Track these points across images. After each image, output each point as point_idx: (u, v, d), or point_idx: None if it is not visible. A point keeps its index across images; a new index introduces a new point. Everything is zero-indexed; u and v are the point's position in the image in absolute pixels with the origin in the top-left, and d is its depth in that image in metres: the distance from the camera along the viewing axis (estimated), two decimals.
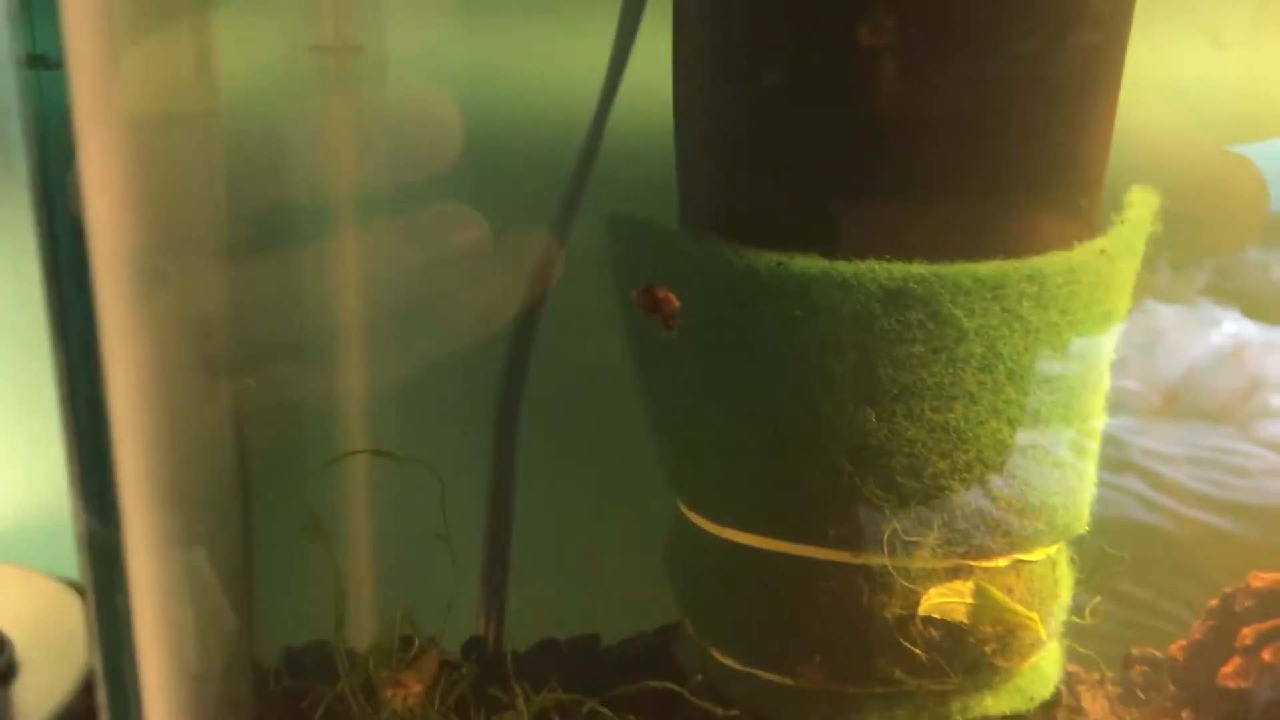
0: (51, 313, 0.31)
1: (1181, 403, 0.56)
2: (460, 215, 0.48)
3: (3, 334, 0.69)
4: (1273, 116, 0.50)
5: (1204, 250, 0.52)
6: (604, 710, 0.40)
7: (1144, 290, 0.52)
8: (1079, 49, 0.39)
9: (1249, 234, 0.51)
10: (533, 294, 0.52)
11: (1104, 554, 0.45)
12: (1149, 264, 0.44)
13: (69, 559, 0.68)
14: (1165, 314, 0.55)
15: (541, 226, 0.50)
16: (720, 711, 0.42)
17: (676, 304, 0.40)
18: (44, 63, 0.28)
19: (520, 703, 0.39)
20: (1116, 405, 0.55)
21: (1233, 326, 0.56)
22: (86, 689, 0.55)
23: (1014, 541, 0.42)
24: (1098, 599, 0.45)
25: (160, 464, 0.31)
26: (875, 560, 0.41)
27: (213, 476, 0.38)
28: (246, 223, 0.42)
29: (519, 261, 0.50)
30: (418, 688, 0.39)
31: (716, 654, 0.45)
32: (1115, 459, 0.56)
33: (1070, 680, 0.47)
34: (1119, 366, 0.44)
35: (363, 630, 0.46)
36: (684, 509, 0.46)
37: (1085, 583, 0.45)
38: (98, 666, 0.31)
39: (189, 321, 0.35)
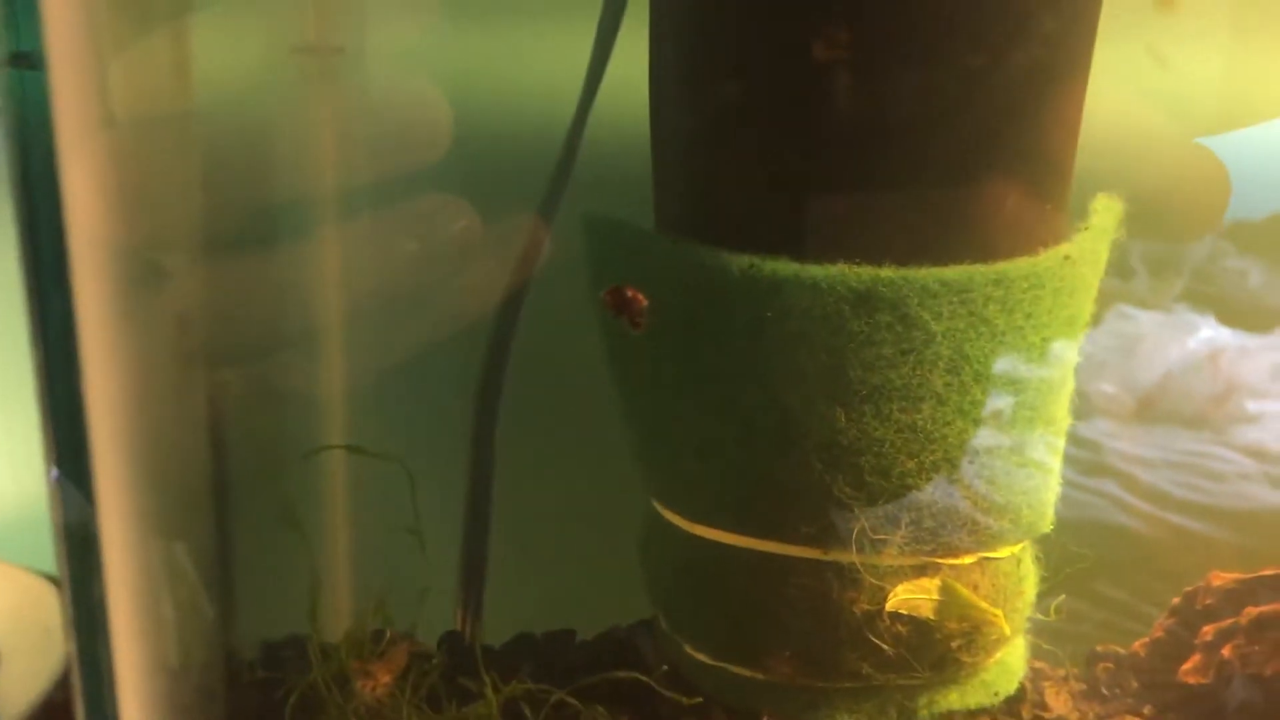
0: (31, 308, 0.31)
1: (1158, 408, 0.57)
2: (449, 205, 0.48)
3: None
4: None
5: (1167, 239, 0.53)
6: (572, 701, 0.41)
7: (1120, 296, 0.52)
8: (1045, 58, 0.39)
9: (1211, 223, 0.52)
10: (512, 290, 0.52)
11: (1075, 554, 0.46)
12: (1122, 270, 0.44)
13: (48, 552, 0.69)
14: (1142, 320, 0.56)
15: (520, 222, 0.51)
16: (685, 700, 0.43)
17: (644, 303, 0.40)
18: (26, 61, 0.29)
19: (489, 692, 0.39)
20: (1094, 409, 0.56)
21: (1209, 332, 0.57)
22: (66, 681, 0.55)
23: (980, 540, 0.42)
24: (1062, 597, 0.46)
25: (137, 455, 0.32)
26: (844, 557, 0.41)
27: (191, 469, 0.38)
28: (227, 219, 0.42)
29: (499, 253, 0.51)
30: (386, 678, 0.40)
31: (688, 648, 0.46)
32: (1092, 463, 0.57)
33: (1035, 676, 0.48)
34: (1097, 371, 0.45)
35: (340, 625, 0.46)
36: (657, 505, 0.47)
37: (1054, 582, 0.46)
38: (73, 654, 0.31)
39: (168, 316, 0.35)
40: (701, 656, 0.45)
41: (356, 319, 0.49)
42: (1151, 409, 0.57)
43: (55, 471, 0.34)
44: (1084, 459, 0.57)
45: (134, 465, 0.32)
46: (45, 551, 0.69)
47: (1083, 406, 0.45)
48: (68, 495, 0.31)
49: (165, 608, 0.34)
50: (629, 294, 0.40)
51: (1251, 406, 0.57)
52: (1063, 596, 0.46)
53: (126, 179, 0.31)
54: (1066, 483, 0.45)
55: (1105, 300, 0.44)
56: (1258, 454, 0.57)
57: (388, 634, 0.42)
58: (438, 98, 0.48)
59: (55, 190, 0.28)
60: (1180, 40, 0.47)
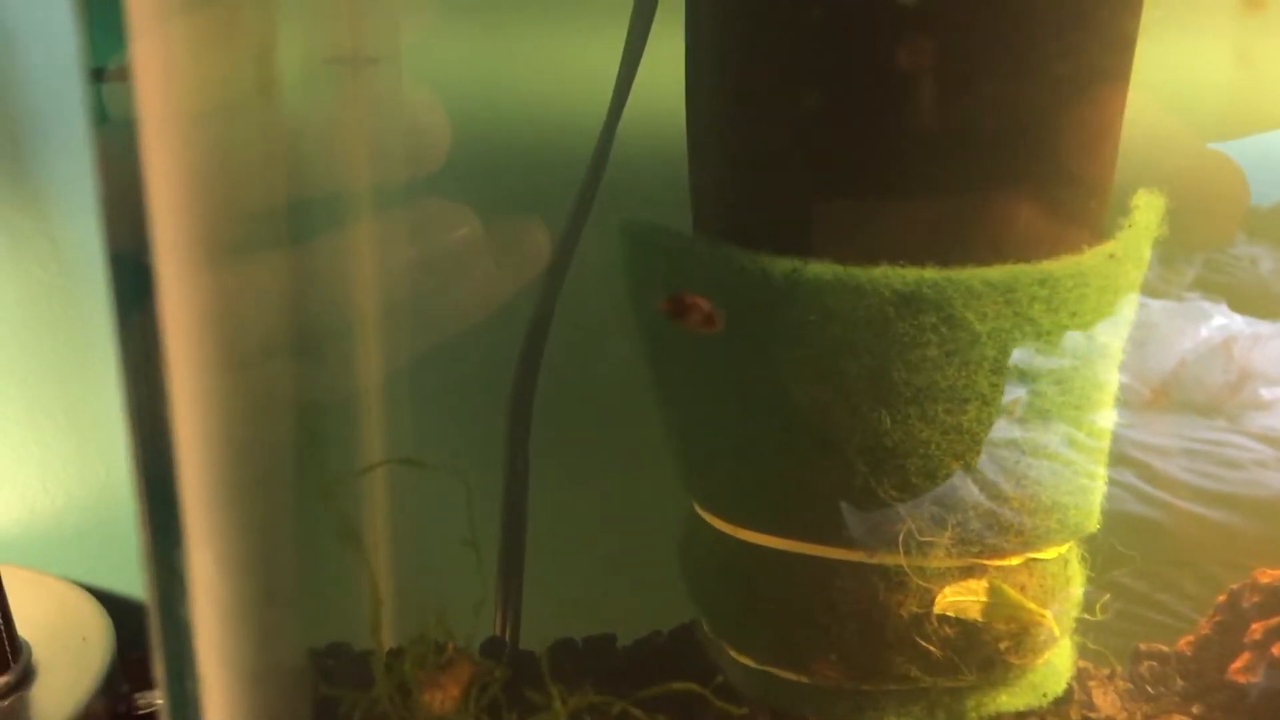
0: (118, 331, 0.31)
1: (1172, 396, 0.57)
2: (450, 212, 0.48)
3: (14, 340, 0.69)
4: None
5: (1188, 246, 0.53)
6: (635, 711, 0.41)
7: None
8: (1088, 59, 0.39)
9: (1231, 230, 0.52)
10: (544, 297, 0.52)
11: (1109, 550, 0.46)
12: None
13: (83, 562, 0.69)
14: (1155, 308, 0.56)
15: (549, 226, 0.51)
16: (735, 710, 0.43)
17: (707, 305, 0.40)
18: (112, 75, 0.29)
19: (557, 705, 0.39)
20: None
21: (1221, 320, 0.57)
22: (102, 692, 0.56)
23: (1027, 540, 0.42)
24: (1107, 596, 0.46)
25: (221, 471, 0.31)
26: (890, 560, 0.41)
27: (262, 479, 0.38)
28: (276, 225, 0.42)
29: (524, 257, 0.51)
30: (454, 690, 0.40)
31: (732, 653, 0.46)
32: (1108, 452, 0.57)
33: (1081, 675, 0.48)
34: None
35: (383, 633, 0.46)
36: (698, 509, 0.46)
37: (1093, 579, 0.46)
38: (160, 677, 0.32)
39: (230, 326, 0.35)
40: (746, 661, 0.45)
41: (392, 326, 0.49)
42: (1166, 397, 0.57)
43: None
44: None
45: (218, 479, 0.31)
46: (81, 562, 0.69)
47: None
48: (154, 512, 0.31)
49: (245, 620, 0.34)
50: (688, 300, 0.40)
51: (1266, 393, 0.57)
52: (1107, 596, 0.46)
53: (209, 187, 0.31)
54: (1085, 473, 0.45)
55: None
56: (1273, 440, 0.57)
57: (449, 645, 0.42)
58: (437, 106, 0.48)
59: (140, 203, 0.28)
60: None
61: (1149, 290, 0.54)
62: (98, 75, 0.29)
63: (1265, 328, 0.57)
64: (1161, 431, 0.57)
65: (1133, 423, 0.57)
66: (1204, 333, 0.57)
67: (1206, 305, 0.56)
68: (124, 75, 0.28)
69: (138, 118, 0.27)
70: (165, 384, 0.29)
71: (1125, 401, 0.56)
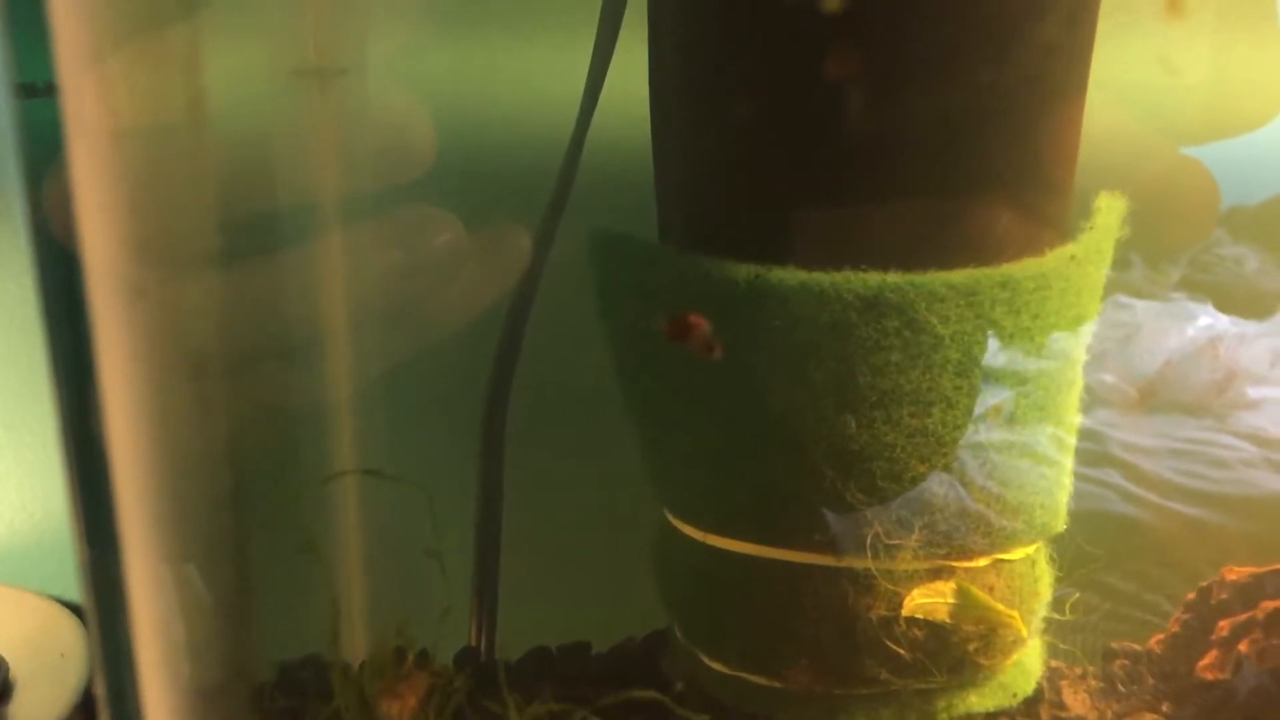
0: (49, 338, 0.31)
1: (1159, 396, 0.57)
2: (434, 218, 0.48)
3: None
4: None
5: (1162, 248, 0.53)
6: (593, 719, 0.41)
7: (1118, 286, 0.52)
8: (1045, 60, 0.40)
9: (1204, 231, 0.52)
10: (517, 305, 0.52)
11: (1084, 550, 0.46)
12: (1119, 260, 0.44)
13: (60, 577, 0.69)
14: (1141, 309, 0.56)
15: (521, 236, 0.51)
16: (697, 717, 0.43)
17: (707, 326, 0.40)
18: (36, 91, 0.29)
19: (512, 714, 0.39)
20: (1094, 400, 0.56)
21: (1207, 320, 0.57)
22: (81, 707, 0.55)
23: (994, 541, 0.42)
24: (1076, 595, 0.46)
25: (158, 485, 0.31)
26: (859, 563, 0.42)
27: (208, 492, 0.38)
28: (231, 237, 0.42)
29: (497, 266, 0.51)
30: (412, 700, 0.40)
31: (704, 658, 0.46)
32: (1094, 453, 0.57)
33: (1052, 675, 0.48)
34: (1097, 361, 0.45)
35: (355, 644, 0.46)
36: (669, 516, 0.47)
37: (1066, 578, 0.46)
38: (102, 692, 0.31)
39: (182, 338, 0.35)
40: (718, 666, 0.45)
41: (349, 331, 0.49)
42: (1152, 398, 0.57)
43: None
44: (1086, 449, 0.57)
45: (155, 492, 0.31)
46: (59, 577, 0.69)
47: (1084, 397, 0.45)
48: (91, 529, 0.31)
49: (189, 636, 0.34)
50: (690, 320, 0.40)
51: (1252, 393, 0.57)
52: (1077, 594, 0.46)
53: (139, 202, 0.31)
54: (1051, 473, 0.45)
55: (1103, 291, 0.44)
56: (1260, 440, 0.57)
57: (409, 655, 0.42)
58: (423, 113, 0.48)
59: (71, 216, 0.28)
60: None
61: (1134, 291, 0.55)
62: (25, 91, 0.29)
63: (1251, 327, 0.57)
64: (1148, 431, 0.57)
65: (1119, 423, 0.57)
66: (1190, 332, 0.57)
67: (1192, 305, 0.56)
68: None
69: (67, 133, 0.27)
70: (99, 396, 0.29)
71: (1111, 402, 0.56)
